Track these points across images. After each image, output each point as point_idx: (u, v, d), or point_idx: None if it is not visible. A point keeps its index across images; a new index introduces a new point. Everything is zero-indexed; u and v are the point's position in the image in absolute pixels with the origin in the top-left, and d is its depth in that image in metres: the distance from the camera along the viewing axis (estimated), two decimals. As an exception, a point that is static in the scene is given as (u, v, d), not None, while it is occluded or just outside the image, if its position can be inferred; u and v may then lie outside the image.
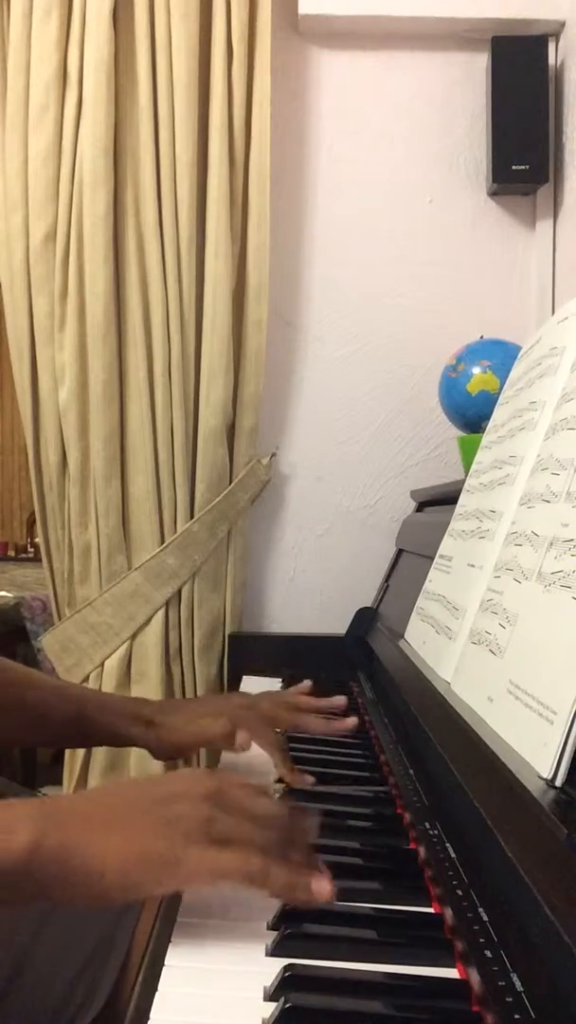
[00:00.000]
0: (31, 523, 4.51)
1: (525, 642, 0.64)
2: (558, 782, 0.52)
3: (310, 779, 0.87)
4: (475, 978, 0.51)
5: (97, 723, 0.88)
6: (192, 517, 1.49)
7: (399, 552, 1.47)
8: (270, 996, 0.50)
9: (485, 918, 0.56)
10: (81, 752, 1.50)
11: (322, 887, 0.55)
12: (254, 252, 1.48)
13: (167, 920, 0.59)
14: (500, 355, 1.27)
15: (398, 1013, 0.49)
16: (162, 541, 1.49)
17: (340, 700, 1.00)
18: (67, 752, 1.54)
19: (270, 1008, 0.48)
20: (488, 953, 0.52)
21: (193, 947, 0.56)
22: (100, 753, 1.48)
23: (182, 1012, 0.49)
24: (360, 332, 1.62)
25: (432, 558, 1.04)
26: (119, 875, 0.53)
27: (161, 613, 1.49)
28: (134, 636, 1.49)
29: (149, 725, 0.88)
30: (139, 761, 1.46)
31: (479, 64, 1.57)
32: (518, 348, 1.15)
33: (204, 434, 1.48)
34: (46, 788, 2.63)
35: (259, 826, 0.57)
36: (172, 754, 0.89)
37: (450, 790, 0.68)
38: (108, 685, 1.48)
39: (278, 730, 0.93)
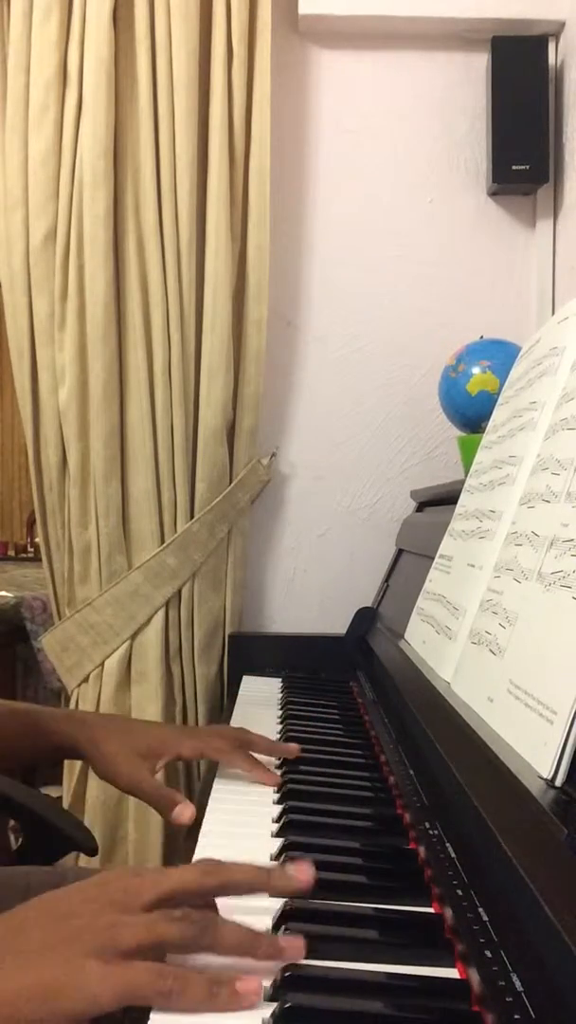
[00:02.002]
0: (31, 523, 4.51)
1: (525, 642, 0.64)
2: (558, 782, 0.52)
3: (295, 747, 0.91)
4: (475, 978, 0.51)
5: (48, 731, 0.88)
6: (192, 517, 1.49)
7: (399, 552, 1.47)
8: (270, 996, 0.50)
9: (485, 918, 0.56)
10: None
11: (248, 987, 0.48)
12: (254, 252, 1.48)
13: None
14: (500, 355, 1.27)
15: (398, 1013, 0.49)
16: (162, 541, 1.49)
17: (294, 748, 0.95)
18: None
19: (270, 1008, 0.48)
20: (488, 953, 0.52)
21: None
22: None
23: (181, 1012, 0.49)
24: (360, 332, 1.62)
25: (432, 558, 1.04)
26: (9, 1011, 0.45)
27: (161, 613, 1.49)
28: (134, 636, 1.49)
29: (92, 744, 0.87)
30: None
31: (479, 64, 1.57)
32: (518, 348, 1.15)
33: (204, 434, 1.48)
34: (46, 788, 2.63)
35: (172, 920, 0.49)
36: (105, 779, 0.88)
37: (450, 790, 0.68)
38: (108, 685, 1.48)
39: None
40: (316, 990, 0.50)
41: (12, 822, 1.10)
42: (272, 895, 0.57)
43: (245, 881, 0.55)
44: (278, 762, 0.95)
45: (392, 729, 1.05)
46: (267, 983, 0.51)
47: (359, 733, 1.07)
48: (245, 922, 0.56)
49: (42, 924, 0.50)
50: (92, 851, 1.06)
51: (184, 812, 0.82)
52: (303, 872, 0.56)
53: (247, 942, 0.51)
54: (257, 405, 1.52)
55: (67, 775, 1.53)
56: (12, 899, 0.54)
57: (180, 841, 0.84)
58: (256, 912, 0.59)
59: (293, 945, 0.52)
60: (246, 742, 0.92)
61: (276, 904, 0.60)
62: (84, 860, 1.41)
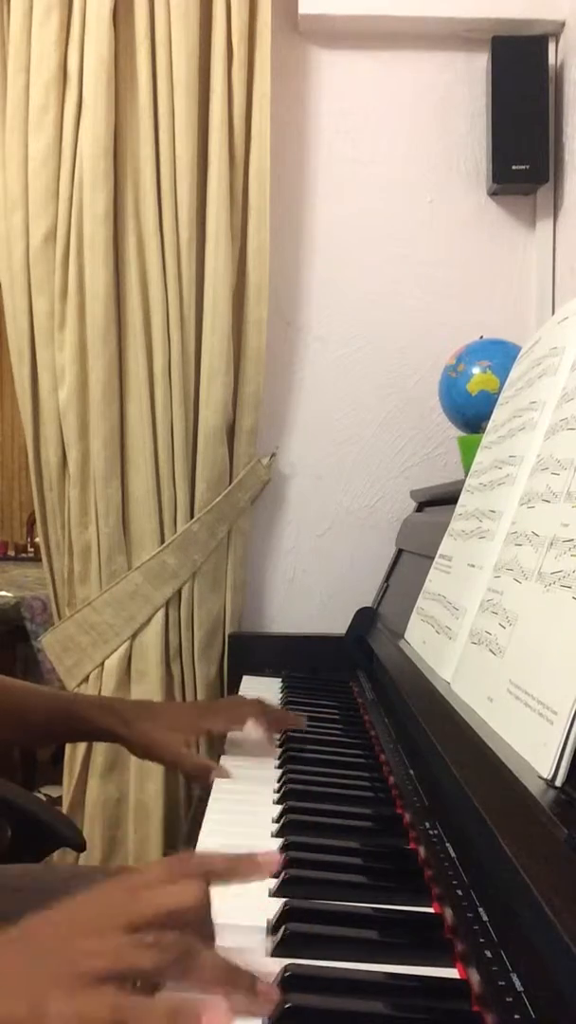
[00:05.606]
0: (31, 523, 4.51)
1: (525, 642, 0.64)
2: (558, 782, 0.52)
3: (303, 720, 0.97)
4: (475, 978, 0.51)
5: (83, 717, 0.94)
6: (192, 517, 1.49)
7: (399, 552, 1.47)
8: (270, 996, 0.50)
9: (485, 918, 0.56)
10: (81, 753, 1.50)
11: (214, 1022, 0.43)
12: (254, 252, 1.48)
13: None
14: (500, 355, 1.27)
15: (398, 1013, 0.49)
16: (162, 541, 1.49)
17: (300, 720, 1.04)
18: (67, 752, 1.54)
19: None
20: (488, 953, 0.52)
21: None
22: (100, 755, 1.48)
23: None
24: (360, 332, 1.62)
25: (432, 558, 1.04)
26: None
27: (161, 613, 1.49)
28: (134, 636, 1.49)
29: (127, 724, 0.94)
30: (140, 761, 1.46)
31: (479, 64, 1.57)
32: (518, 348, 1.15)
33: (204, 434, 1.48)
34: (46, 788, 2.63)
35: (143, 946, 0.46)
36: (148, 758, 0.97)
37: (450, 790, 0.68)
38: (108, 685, 1.48)
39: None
40: (316, 990, 0.50)
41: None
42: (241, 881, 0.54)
43: (222, 876, 0.53)
44: (278, 762, 0.95)
45: (392, 729, 1.05)
46: (268, 983, 0.50)
47: (359, 733, 1.07)
48: (242, 920, 0.56)
49: (12, 953, 0.47)
50: (80, 847, 1.07)
51: (221, 771, 0.91)
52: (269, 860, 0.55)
53: (225, 977, 0.47)
54: (257, 405, 1.52)
55: (67, 775, 1.53)
56: (3, 898, 0.53)
57: (180, 840, 0.85)
58: (255, 911, 0.59)
59: (269, 993, 0.48)
60: (265, 712, 1.00)
61: (276, 904, 0.60)
62: (82, 859, 1.41)
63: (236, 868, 0.54)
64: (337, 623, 1.50)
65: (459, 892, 0.61)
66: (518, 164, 1.51)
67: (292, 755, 0.96)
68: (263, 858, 0.55)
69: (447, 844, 0.69)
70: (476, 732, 0.65)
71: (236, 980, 0.48)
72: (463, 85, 1.59)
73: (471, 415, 1.30)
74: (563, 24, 1.53)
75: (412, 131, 1.61)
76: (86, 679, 1.50)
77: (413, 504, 1.54)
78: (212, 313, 1.46)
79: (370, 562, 1.60)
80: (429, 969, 0.53)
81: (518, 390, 0.94)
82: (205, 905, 0.51)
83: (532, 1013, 0.46)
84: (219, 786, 0.89)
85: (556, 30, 1.54)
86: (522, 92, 1.50)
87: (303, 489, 1.64)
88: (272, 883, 0.64)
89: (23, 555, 4.66)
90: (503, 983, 0.49)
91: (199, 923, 0.50)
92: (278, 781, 0.89)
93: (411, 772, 0.88)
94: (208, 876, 0.52)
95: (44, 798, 2.34)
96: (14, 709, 0.94)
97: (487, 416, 1.05)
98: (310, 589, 1.65)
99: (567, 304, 0.86)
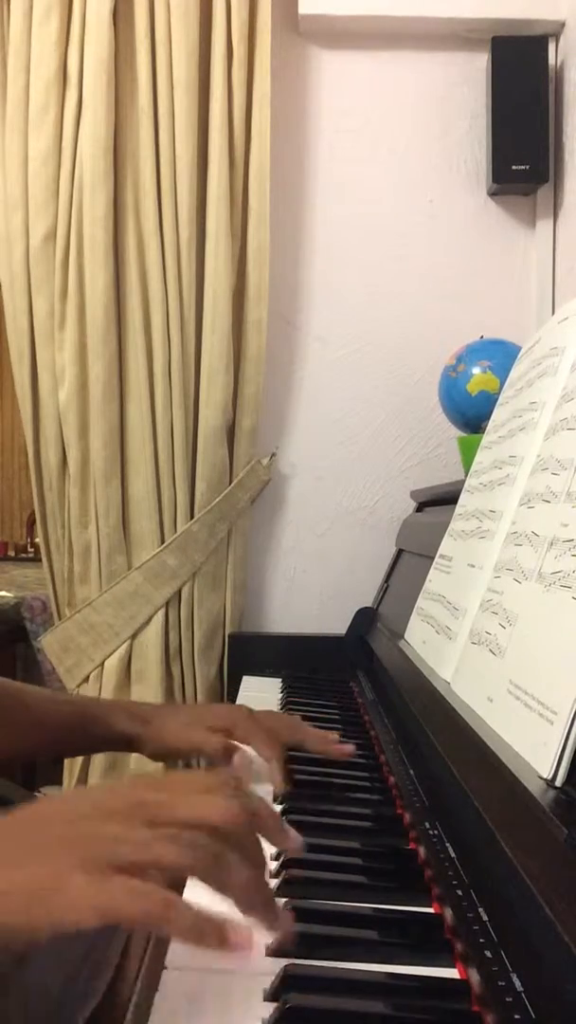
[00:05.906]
0: (31, 523, 4.50)
1: (525, 642, 0.64)
2: (558, 782, 0.52)
3: (349, 748, 0.88)
4: (475, 978, 0.51)
5: (99, 721, 0.89)
6: (192, 517, 1.49)
7: (399, 552, 1.47)
8: (270, 996, 0.50)
9: (485, 918, 0.56)
10: (81, 752, 1.50)
11: (241, 941, 0.44)
12: (254, 252, 1.48)
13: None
14: (500, 355, 1.27)
15: (398, 1013, 0.49)
16: (162, 541, 1.49)
17: (348, 748, 0.91)
18: (67, 752, 1.54)
19: (270, 1008, 0.48)
20: (488, 953, 0.52)
21: (193, 947, 0.56)
22: (100, 755, 1.48)
23: (182, 1013, 0.49)
24: (360, 332, 1.62)
25: (432, 558, 1.04)
26: None
27: (161, 613, 1.49)
28: (134, 636, 1.49)
29: (145, 723, 0.89)
30: (139, 760, 1.46)
31: (479, 64, 1.57)
32: (518, 348, 1.15)
33: (204, 434, 1.48)
34: (46, 788, 2.63)
35: (175, 842, 0.45)
36: (165, 756, 0.90)
37: (450, 790, 0.68)
38: (108, 685, 1.48)
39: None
40: (316, 990, 0.50)
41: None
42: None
43: (265, 829, 0.52)
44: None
45: (392, 729, 1.05)
46: (268, 983, 0.50)
47: (359, 733, 1.07)
48: (241, 919, 0.56)
49: (47, 824, 0.48)
50: None
51: (239, 760, 0.84)
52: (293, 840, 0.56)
53: (252, 890, 0.47)
54: (257, 405, 1.52)
55: (67, 775, 1.53)
56: None
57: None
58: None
59: (286, 925, 0.49)
60: (298, 742, 0.90)
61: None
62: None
63: (275, 834, 0.53)
64: (337, 623, 1.50)
65: (459, 892, 0.61)
66: (518, 164, 1.51)
67: (292, 755, 0.96)
68: (294, 840, 0.55)
69: (447, 844, 0.69)
70: (476, 732, 0.65)
71: (262, 901, 0.47)
72: (463, 85, 1.59)
73: (471, 415, 1.30)
74: (563, 24, 1.53)
75: (412, 131, 1.61)
76: (86, 679, 1.50)
77: (413, 504, 1.54)
78: (212, 313, 1.46)
79: (370, 562, 1.60)
80: (429, 969, 0.53)
81: (518, 390, 0.94)
82: (251, 832, 0.49)
83: (532, 1013, 0.46)
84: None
85: (556, 30, 1.54)
86: (522, 92, 1.50)
87: (303, 489, 1.64)
88: (272, 883, 0.64)
89: (23, 555, 4.65)
90: (503, 983, 0.49)
91: (243, 846, 0.48)
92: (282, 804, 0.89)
93: (411, 772, 0.88)
94: (252, 814, 0.51)
95: (44, 798, 2.34)
96: (30, 716, 0.90)
97: (487, 416, 1.05)
98: (310, 589, 1.65)
99: (567, 304, 0.86)
